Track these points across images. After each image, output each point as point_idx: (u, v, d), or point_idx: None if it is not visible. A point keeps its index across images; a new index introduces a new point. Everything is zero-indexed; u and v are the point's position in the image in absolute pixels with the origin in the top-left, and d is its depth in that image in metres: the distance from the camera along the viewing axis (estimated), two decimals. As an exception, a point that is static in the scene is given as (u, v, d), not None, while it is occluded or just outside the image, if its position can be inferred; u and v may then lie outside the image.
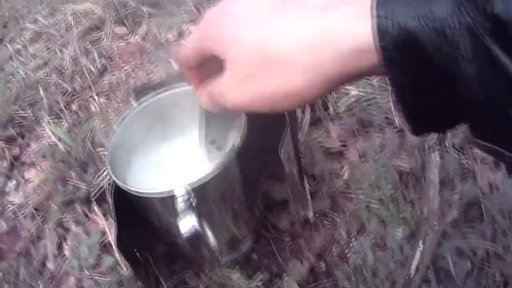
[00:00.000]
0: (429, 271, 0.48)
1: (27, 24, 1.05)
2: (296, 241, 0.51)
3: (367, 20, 0.23)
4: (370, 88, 0.61)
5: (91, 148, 0.63)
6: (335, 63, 0.25)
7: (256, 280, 0.48)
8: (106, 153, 0.61)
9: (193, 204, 0.36)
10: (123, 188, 0.38)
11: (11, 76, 0.93)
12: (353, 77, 0.25)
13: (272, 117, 0.30)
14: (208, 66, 0.31)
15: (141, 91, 0.46)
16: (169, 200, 0.36)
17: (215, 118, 0.37)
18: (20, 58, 0.98)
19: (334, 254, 0.49)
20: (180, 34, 0.74)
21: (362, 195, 0.51)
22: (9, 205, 0.69)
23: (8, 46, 1.04)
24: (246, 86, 0.28)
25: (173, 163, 0.45)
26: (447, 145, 0.56)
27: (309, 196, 0.51)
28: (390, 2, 0.22)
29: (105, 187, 0.59)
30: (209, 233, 0.40)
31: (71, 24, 0.91)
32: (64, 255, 0.61)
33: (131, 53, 0.75)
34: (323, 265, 0.49)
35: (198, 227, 0.36)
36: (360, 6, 0.24)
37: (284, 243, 0.51)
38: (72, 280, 0.58)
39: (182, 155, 0.45)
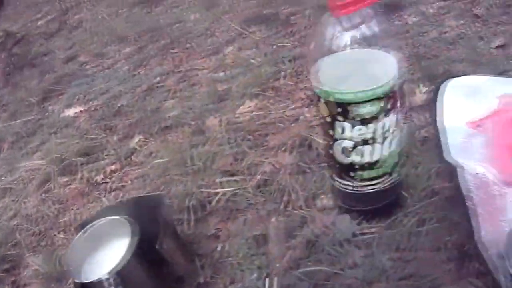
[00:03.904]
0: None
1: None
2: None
3: None
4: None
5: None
6: None
7: None
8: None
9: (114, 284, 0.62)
10: (77, 281, 0.65)
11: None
12: None
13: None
14: None
15: (81, 225, 0.74)
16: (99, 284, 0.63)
17: None
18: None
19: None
20: (105, 176, 1.05)
21: (231, 259, 0.77)
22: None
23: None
24: None
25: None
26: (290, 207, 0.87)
27: (199, 268, 0.76)
28: None
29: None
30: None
31: (27, 179, 1.18)
32: None
33: (74, 197, 1.06)
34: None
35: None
36: None
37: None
38: None
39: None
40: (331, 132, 0.70)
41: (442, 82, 1.05)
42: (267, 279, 0.73)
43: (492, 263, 0.71)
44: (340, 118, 0.66)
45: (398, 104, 0.68)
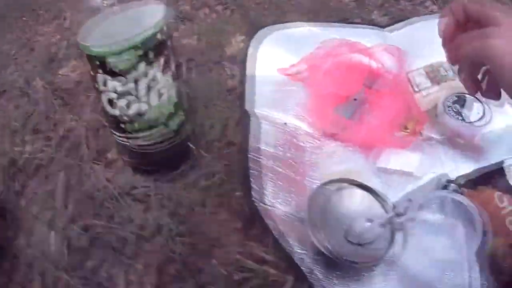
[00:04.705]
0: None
1: None
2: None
3: None
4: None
5: None
6: None
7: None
8: None
9: None
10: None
11: None
12: None
13: None
14: None
15: None
16: None
17: None
18: None
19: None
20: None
21: (30, 214, 0.85)
22: None
23: None
24: None
25: None
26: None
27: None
28: None
29: None
30: None
31: None
32: None
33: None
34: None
35: None
36: None
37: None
38: None
39: None
40: (96, 85, 0.73)
41: (258, 30, 1.05)
42: (52, 233, 0.81)
43: (276, 226, 0.69)
44: (100, 70, 0.70)
45: (166, 55, 0.71)
